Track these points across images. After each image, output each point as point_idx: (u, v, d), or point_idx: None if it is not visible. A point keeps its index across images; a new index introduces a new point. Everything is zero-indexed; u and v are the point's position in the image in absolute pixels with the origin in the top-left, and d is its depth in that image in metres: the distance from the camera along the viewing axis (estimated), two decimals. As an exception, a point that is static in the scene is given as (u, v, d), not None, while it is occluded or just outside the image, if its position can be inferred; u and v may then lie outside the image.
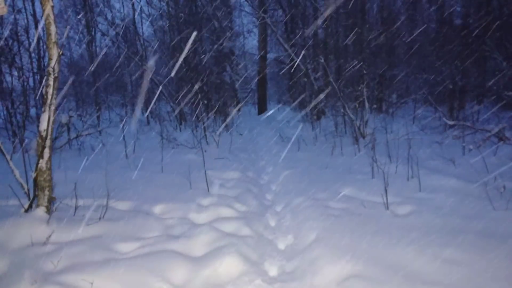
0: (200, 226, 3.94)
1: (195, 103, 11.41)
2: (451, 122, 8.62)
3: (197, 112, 11.30)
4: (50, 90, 3.78)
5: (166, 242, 3.48)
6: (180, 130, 12.14)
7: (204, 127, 9.78)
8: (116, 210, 4.37)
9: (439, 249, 3.09)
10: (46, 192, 3.83)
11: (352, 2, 12.23)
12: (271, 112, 17.86)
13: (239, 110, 20.78)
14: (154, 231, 3.81)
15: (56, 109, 3.84)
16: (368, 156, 6.81)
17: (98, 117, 15.08)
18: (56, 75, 3.81)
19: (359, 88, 9.21)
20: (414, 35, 13.34)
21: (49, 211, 3.83)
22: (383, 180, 4.81)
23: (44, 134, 3.76)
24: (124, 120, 10.51)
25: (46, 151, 3.77)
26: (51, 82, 3.78)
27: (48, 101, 3.74)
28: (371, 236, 3.47)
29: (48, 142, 3.77)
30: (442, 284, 2.60)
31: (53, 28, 3.73)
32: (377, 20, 16.25)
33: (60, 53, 3.80)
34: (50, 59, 3.80)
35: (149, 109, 14.23)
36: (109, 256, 3.20)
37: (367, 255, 3.08)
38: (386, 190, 4.50)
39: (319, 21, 14.17)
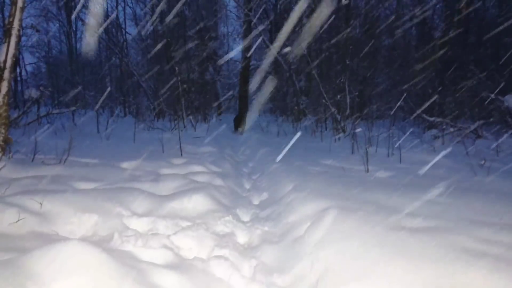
0: (169, 175, 3.66)
1: (175, 99, 11.11)
2: (431, 119, 8.62)
3: (176, 107, 10.97)
4: (15, 20, 3.49)
5: (131, 182, 3.19)
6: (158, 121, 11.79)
7: (182, 115, 9.49)
8: (80, 162, 4.05)
9: (418, 193, 2.89)
10: (2, 130, 3.49)
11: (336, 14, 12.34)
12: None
13: (220, 113, 20.54)
14: (119, 176, 3.51)
15: (19, 38, 3.54)
16: (348, 141, 6.69)
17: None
18: (21, 5, 3.54)
19: (341, 80, 9.17)
20: (395, 47, 13.53)
21: (3, 151, 3.49)
22: (363, 155, 4.64)
23: (2, 65, 3.45)
24: (99, 104, 10.08)
25: (4, 84, 3.46)
26: (14, 12, 3.49)
27: (12, 30, 3.45)
28: (348, 185, 3.30)
29: (6, 74, 3.46)
30: (414, 213, 2.40)
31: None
32: (360, 31, 16.48)
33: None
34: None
35: (127, 102, 13.85)
36: (65, 188, 2.89)
37: (342, 196, 2.90)
38: (367, 157, 4.34)
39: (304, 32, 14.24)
